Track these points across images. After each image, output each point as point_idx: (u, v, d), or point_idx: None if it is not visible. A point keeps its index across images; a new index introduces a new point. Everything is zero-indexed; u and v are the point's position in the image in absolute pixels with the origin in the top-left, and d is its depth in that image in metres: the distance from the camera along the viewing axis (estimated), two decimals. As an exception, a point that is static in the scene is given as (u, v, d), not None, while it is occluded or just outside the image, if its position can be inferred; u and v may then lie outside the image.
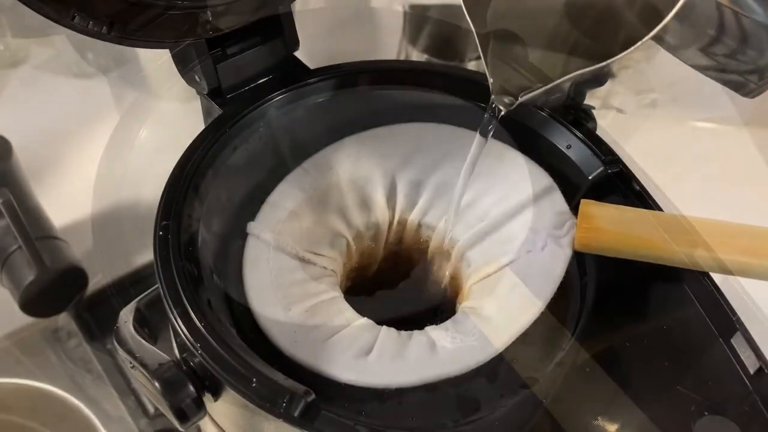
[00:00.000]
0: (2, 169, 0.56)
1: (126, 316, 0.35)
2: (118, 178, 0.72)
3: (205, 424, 0.33)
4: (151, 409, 0.58)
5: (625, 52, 0.28)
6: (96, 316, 0.63)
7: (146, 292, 0.37)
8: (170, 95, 0.79)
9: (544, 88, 0.31)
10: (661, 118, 0.83)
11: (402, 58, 0.75)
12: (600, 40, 0.31)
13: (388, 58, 0.77)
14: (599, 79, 0.31)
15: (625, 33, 0.30)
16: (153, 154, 0.74)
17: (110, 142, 0.75)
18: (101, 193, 0.70)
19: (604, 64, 0.29)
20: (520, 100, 0.32)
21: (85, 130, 0.76)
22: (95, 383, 0.59)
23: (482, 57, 0.33)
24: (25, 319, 0.59)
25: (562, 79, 0.31)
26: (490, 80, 0.33)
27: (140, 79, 0.80)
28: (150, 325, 0.36)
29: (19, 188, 0.58)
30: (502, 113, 0.32)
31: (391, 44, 0.78)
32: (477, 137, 0.33)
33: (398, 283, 0.41)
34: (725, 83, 0.31)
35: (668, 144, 0.82)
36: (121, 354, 0.31)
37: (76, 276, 0.58)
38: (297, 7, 0.43)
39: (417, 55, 0.74)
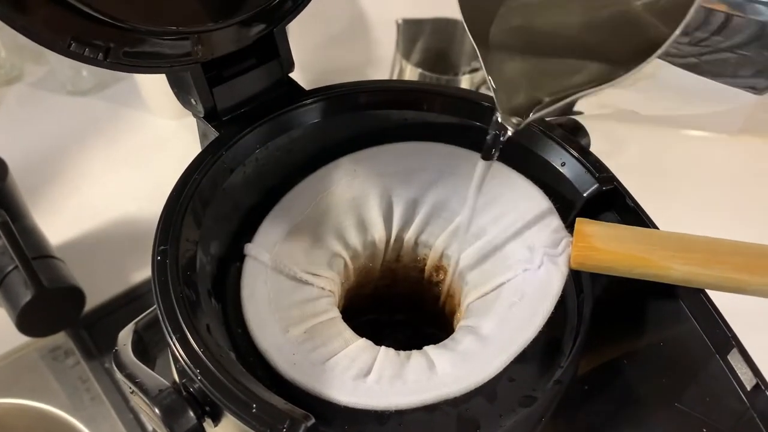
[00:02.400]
0: (-2, 189, 0.56)
1: (124, 338, 0.35)
2: (114, 195, 0.72)
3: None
4: (150, 428, 0.58)
5: (640, 65, 0.26)
6: (93, 334, 0.63)
7: (143, 314, 0.37)
8: (164, 112, 0.79)
9: (555, 106, 0.29)
10: (653, 126, 0.84)
11: (396, 71, 0.76)
12: (614, 53, 0.29)
13: (382, 75, 0.78)
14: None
15: (641, 44, 0.27)
16: (148, 172, 0.75)
17: (105, 159, 0.75)
18: (97, 211, 0.70)
19: (620, 78, 0.27)
20: (530, 119, 0.30)
21: (81, 148, 0.77)
22: (93, 402, 0.59)
23: (486, 74, 0.31)
24: (23, 339, 0.60)
25: (576, 96, 0.29)
26: (497, 99, 0.31)
27: (135, 97, 0.80)
28: (148, 346, 0.36)
29: (16, 208, 0.58)
30: (509, 134, 0.31)
31: (385, 58, 0.79)
32: (480, 161, 0.32)
33: (396, 301, 0.42)
34: (736, 85, 0.31)
35: (660, 153, 0.83)
36: (120, 379, 0.31)
37: (73, 295, 0.58)
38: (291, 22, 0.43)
39: (411, 69, 0.74)
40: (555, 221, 0.34)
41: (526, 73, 0.31)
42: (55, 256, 0.59)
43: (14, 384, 0.59)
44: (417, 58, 0.75)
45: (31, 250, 0.55)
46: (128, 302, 0.65)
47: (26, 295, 0.54)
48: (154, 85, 0.77)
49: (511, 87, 0.31)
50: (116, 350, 0.34)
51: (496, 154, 0.32)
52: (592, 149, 0.37)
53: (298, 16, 0.37)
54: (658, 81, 0.28)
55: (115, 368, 0.32)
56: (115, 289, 0.65)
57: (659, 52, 0.25)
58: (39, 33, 0.29)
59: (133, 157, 0.76)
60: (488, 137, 0.32)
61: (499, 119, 0.31)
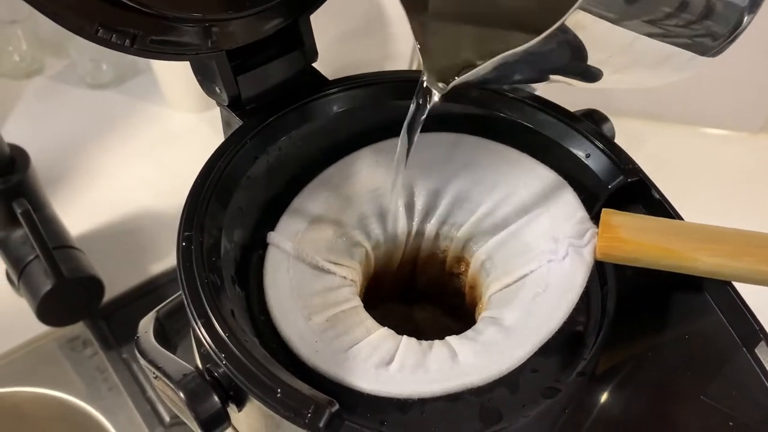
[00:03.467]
0: (20, 180, 0.56)
1: (146, 326, 0.35)
2: (133, 188, 0.73)
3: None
4: (167, 418, 0.58)
5: (556, 25, 0.25)
6: (111, 325, 0.63)
7: (165, 302, 0.37)
8: (183, 106, 0.79)
9: (480, 68, 0.29)
10: (670, 124, 0.84)
11: (414, 65, 0.76)
12: (541, 15, 0.28)
13: (401, 68, 0.77)
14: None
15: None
16: (166, 165, 0.75)
17: (124, 152, 0.76)
18: (116, 204, 0.71)
19: (538, 40, 0.26)
20: (455, 83, 0.31)
21: (100, 141, 0.77)
22: (111, 392, 0.59)
23: (414, 38, 0.31)
24: (42, 328, 0.60)
25: (499, 58, 0.28)
26: (424, 62, 0.31)
27: (154, 90, 0.80)
28: (169, 334, 0.37)
29: (37, 198, 0.59)
30: (435, 100, 0.31)
31: (403, 53, 0.79)
32: (403, 129, 0.33)
33: (417, 292, 0.41)
34: (678, 45, 0.30)
35: (677, 150, 0.82)
36: (144, 364, 0.31)
37: (92, 285, 0.58)
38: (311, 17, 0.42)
39: (429, 64, 0.74)
40: (580, 212, 0.34)
41: (454, 37, 0.32)
42: (75, 246, 0.59)
43: (33, 373, 0.59)
44: (436, 54, 0.75)
45: (51, 240, 0.56)
46: (146, 293, 0.65)
47: (46, 285, 0.55)
48: (173, 79, 0.77)
49: (439, 51, 0.31)
50: (138, 337, 0.34)
51: (421, 124, 0.33)
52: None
53: (318, 10, 0.37)
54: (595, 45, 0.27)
55: (137, 355, 0.32)
56: (134, 280, 0.65)
57: (563, 19, 0.24)
58: (67, 18, 0.29)
59: (152, 150, 0.76)
60: (412, 106, 0.32)
61: (425, 83, 0.31)
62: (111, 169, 0.74)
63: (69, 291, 0.56)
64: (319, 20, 0.38)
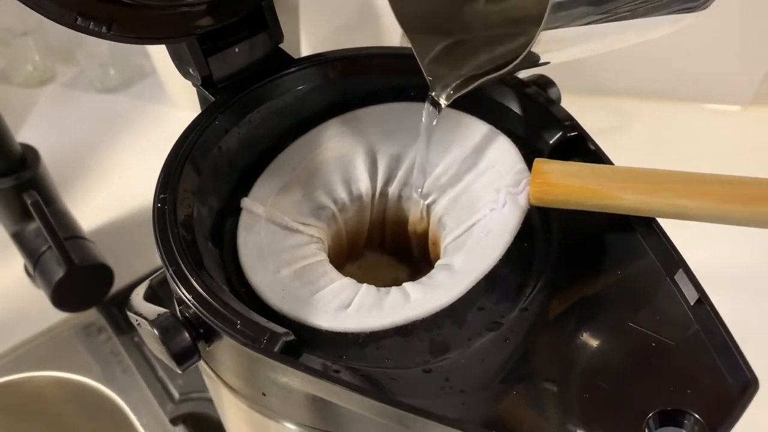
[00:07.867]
0: (31, 176, 0.60)
1: (139, 290, 0.39)
2: (141, 184, 0.76)
3: (206, 374, 0.36)
4: (176, 395, 0.62)
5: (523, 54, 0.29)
6: (124, 311, 0.66)
7: (159, 272, 0.41)
8: (187, 104, 0.83)
9: (484, 79, 0.33)
10: (661, 101, 0.85)
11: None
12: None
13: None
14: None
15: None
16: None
17: (133, 151, 0.80)
18: (126, 200, 0.75)
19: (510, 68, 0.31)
20: (461, 92, 0.35)
21: (110, 142, 0.81)
22: (125, 374, 0.62)
23: (415, 54, 0.36)
24: (59, 317, 0.64)
25: (505, 70, 0.32)
26: (428, 77, 0.36)
27: (160, 92, 0.85)
28: (162, 301, 0.40)
29: (48, 193, 0.62)
30: (444, 106, 0.36)
31: (393, 43, 0.82)
32: (422, 133, 0.38)
33: (384, 254, 0.45)
34: (672, 13, 0.31)
35: (669, 127, 0.83)
36: (129, 316, 0.35)
37: (102, 272, 0.61)
38: (302, 9, 0.45)
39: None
40: (519, 164, 0.37)
41: (456, 49, 0.36)
42: (85, 237, 0.63)
43: (52, 358, 0.63)
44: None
45: (62, 231, 0.59)
46: (153, 281, 0.68)
47: (59, 273, 0.58)
48: (177, 80, 0.81)
49: (441, 64, 0.36)
50: (130, 298, 0.38)
51: (435, 124, 0.38)
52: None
53: (309, 6, 0.40)
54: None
55: (127, 312, 0.36)
56: (143, 270, 0.69)
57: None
58: (49, 9, 0.33)
59: (159, 148, 0.79)
60: (424, 113, 0.37)
61: (433, 96, 0.36)
62: (121, 168, 0.78)
63: (80, 278, 0.59)
64: (311, 17, 0.41)
